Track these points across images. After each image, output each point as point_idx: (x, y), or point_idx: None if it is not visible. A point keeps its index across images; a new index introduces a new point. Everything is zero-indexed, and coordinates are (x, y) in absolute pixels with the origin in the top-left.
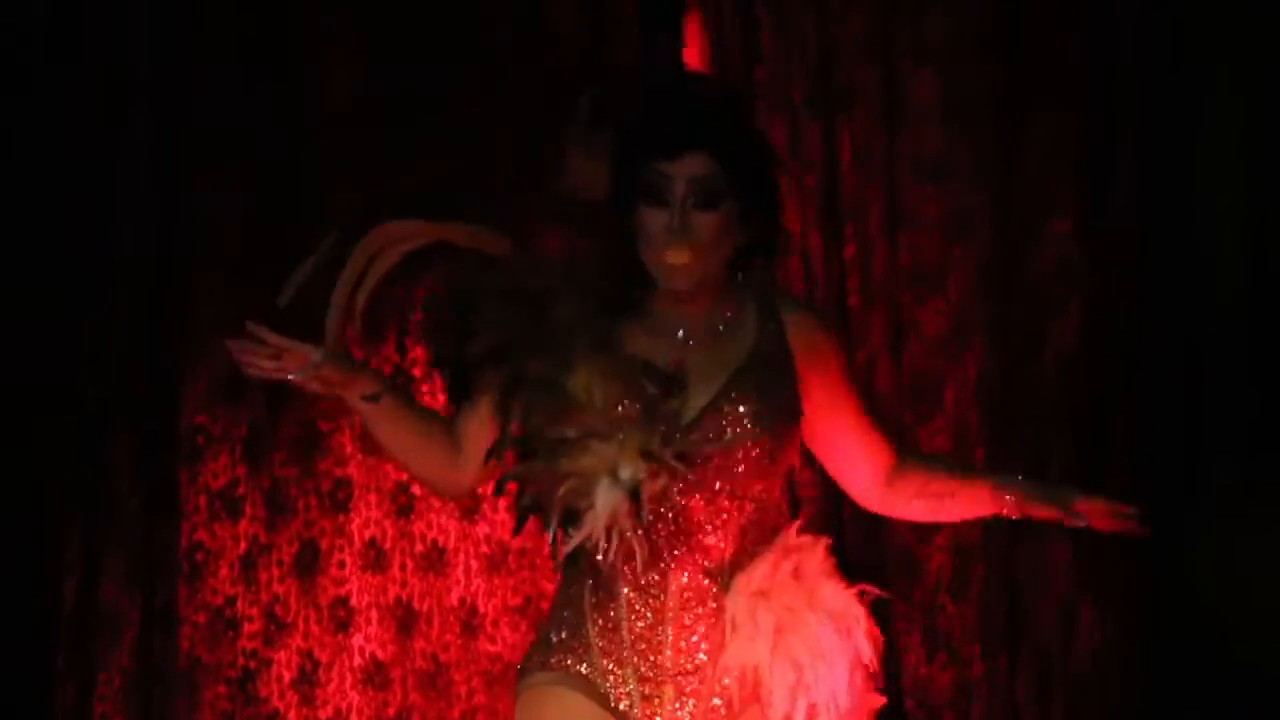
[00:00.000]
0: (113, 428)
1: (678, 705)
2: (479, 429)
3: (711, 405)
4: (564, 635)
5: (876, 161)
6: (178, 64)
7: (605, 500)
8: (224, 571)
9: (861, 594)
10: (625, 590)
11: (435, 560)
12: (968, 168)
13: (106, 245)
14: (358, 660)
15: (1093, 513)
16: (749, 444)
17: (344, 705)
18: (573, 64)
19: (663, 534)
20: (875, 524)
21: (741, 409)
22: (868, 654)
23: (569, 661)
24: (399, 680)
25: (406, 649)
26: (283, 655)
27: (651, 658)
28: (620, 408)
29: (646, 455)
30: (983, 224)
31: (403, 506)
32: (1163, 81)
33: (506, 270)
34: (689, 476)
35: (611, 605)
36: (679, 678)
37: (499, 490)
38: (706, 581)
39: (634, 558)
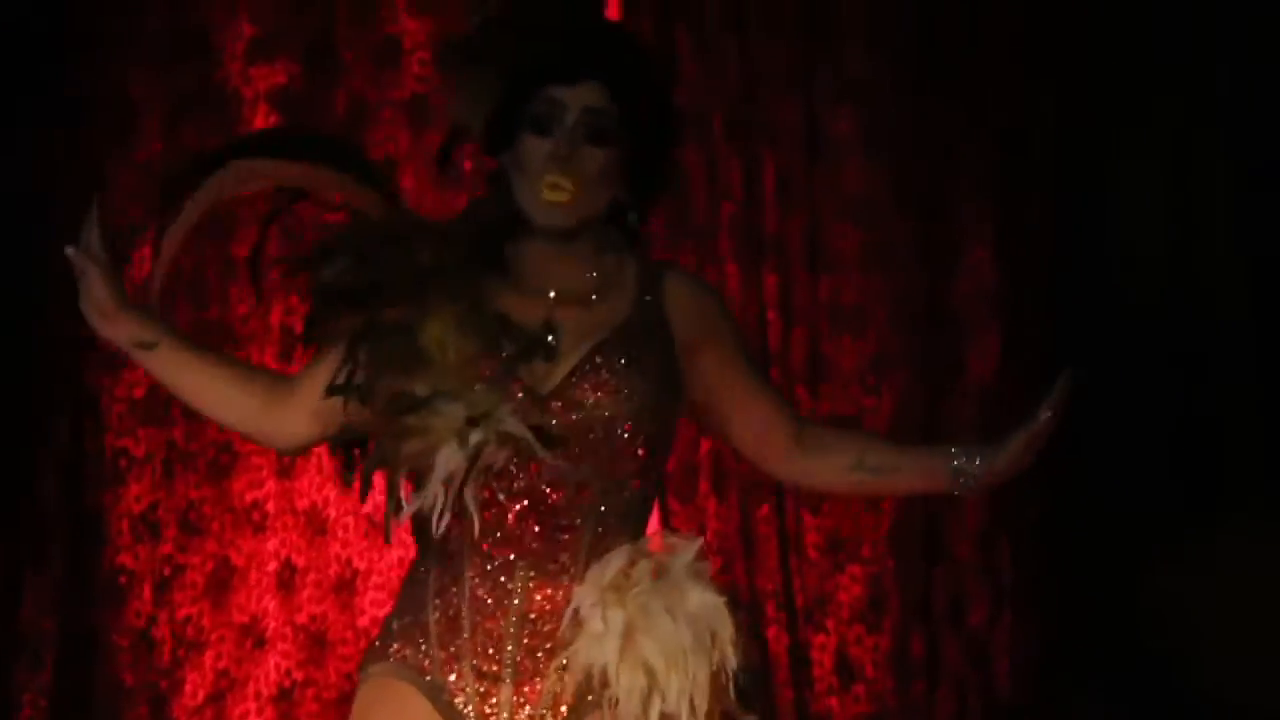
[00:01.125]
0: (36, 452)
1: (514, 705)
2: (324, 379)
3: (573, 374)
4: (406, 620)
5: (798, 194)
6: None
7: (444, 466)
8: (146, 593)
9: (732, 602)
10: (471, 576)
11: (348, 583)
12: (888, 200)
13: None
14: (273, 677)
15: (1044, 430)
16: (614, 422)
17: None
18: None
19: (515, 517)
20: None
21: (605, 380)
22: (732, 666)
23: (407, 652)
24: (313, 699)
25: (321, 669)
26: (195, 675)
27: (491, 651)
28: (474, 366)
29: (495, 420)
30: (903, 256)
31: (318, 528)
32: (1078, 110)
33: (370, 217)
34: (544, 454)
35: (455, 591)
36: (520, 676)
37: (340, 441)
38: (558, 573)
39: (472, 533)
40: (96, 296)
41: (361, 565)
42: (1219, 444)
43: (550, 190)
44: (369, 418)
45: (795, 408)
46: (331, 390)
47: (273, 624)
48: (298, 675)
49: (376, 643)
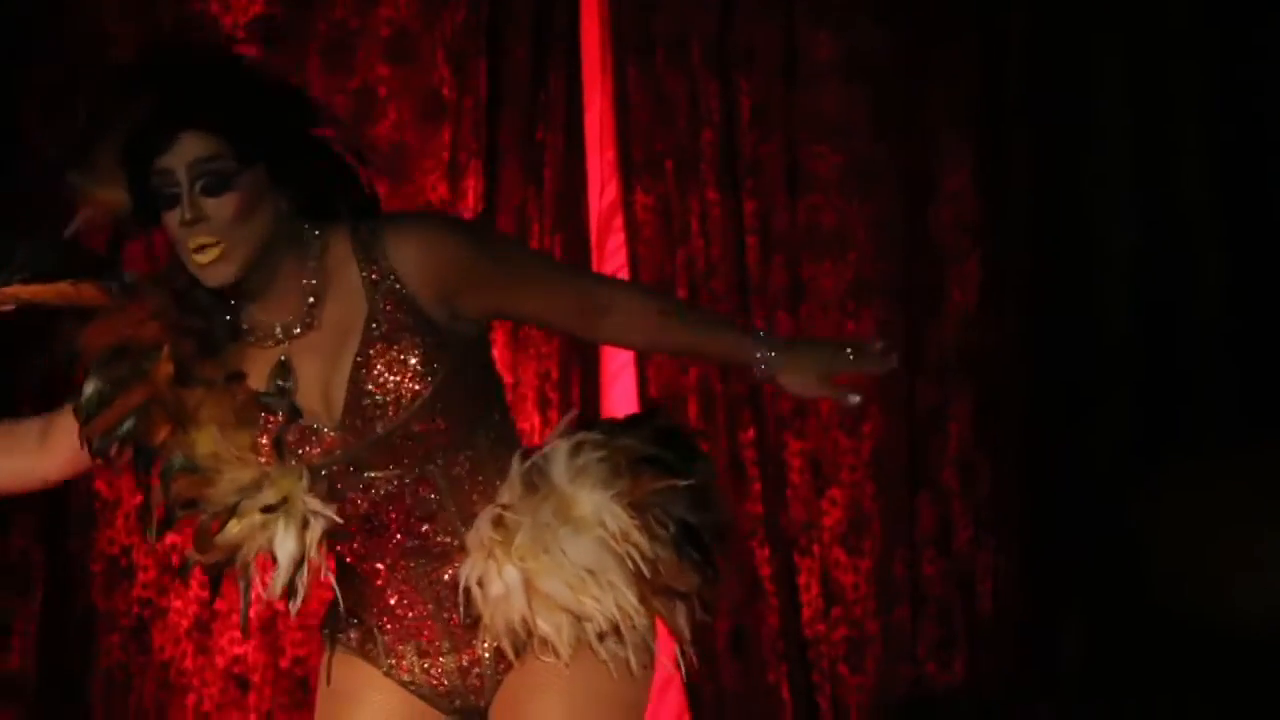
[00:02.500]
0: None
1: (462, 671)
2: (68, 439)
3: (349, 404)
4: (345, 607)
5: (775, 119)
6: None
7: (285, 553)
8: (119, 522)
9: (637, 490)
10: (378, 586)
11: None
12: (867, 126)
13: None
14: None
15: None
16: (408, 421)
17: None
18: None
19: (378, 538)
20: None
21: (378, 396)
22: (647, 558)
23: (354, 636)
24: (297, 626)
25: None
26: (179, 604)
27: (425, 634)
28: (255, 453)
29: (297, 502)
30: (882, 181)
31: None
32: (1056, 39)
33: (105, 327)
34: (342, 523)
35: (371, 596)
36: (458, 646)
37: (183, 573)
38: (445, 552)
39: (360, 583)
40: None
41: None
42: (1194, 369)
43: (198, 254)
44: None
45: (596, 282)
46: (155, 533)
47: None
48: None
49: (329, 611)
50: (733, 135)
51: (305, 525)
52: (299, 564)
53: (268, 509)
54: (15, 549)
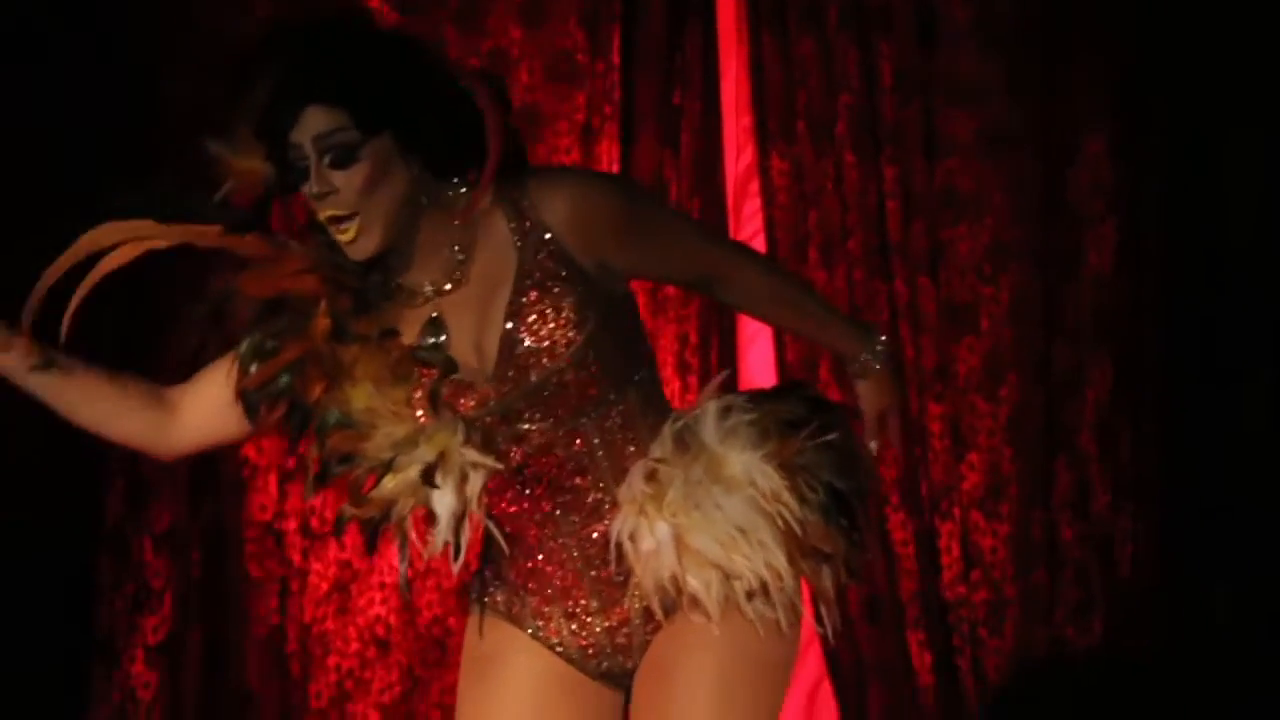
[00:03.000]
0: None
1: (610, 631)
2: (215, 395)
3: (502, 353)
4: (492, 571)
5: (914, 83)
6: None
7: (444, 511)
8: (271, 487)
9: (786, 452)
10: (527, 544)
11: None
12: (1004, 88)
13: None
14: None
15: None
16: (560, 370)
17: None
18: None
19: (532, 490)
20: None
21: (532, 343)
22: (796, 518)
23: (500, 599)
24: (433, 588)
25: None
26: (319, 567)
27: (575, 594)
28: (411, 409)
29: (456, 457)
30: (1019, 145)
31: None
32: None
33: (262, 276)
34: (505, 469)
35: (519, 553)
36: (607, 606)
37: (338, 528)
38: (596, 507)
39: (507, 543)
40: None
41: None
42: None
43: (337, 232)
44: (353, 491)
45: (715, 242)
46: (313, 490)
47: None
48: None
49: (475, 578)
50: (872, 99)
51: (464, 479)
52: (460, 519)
53: (428, 468)
54: (168, 517)
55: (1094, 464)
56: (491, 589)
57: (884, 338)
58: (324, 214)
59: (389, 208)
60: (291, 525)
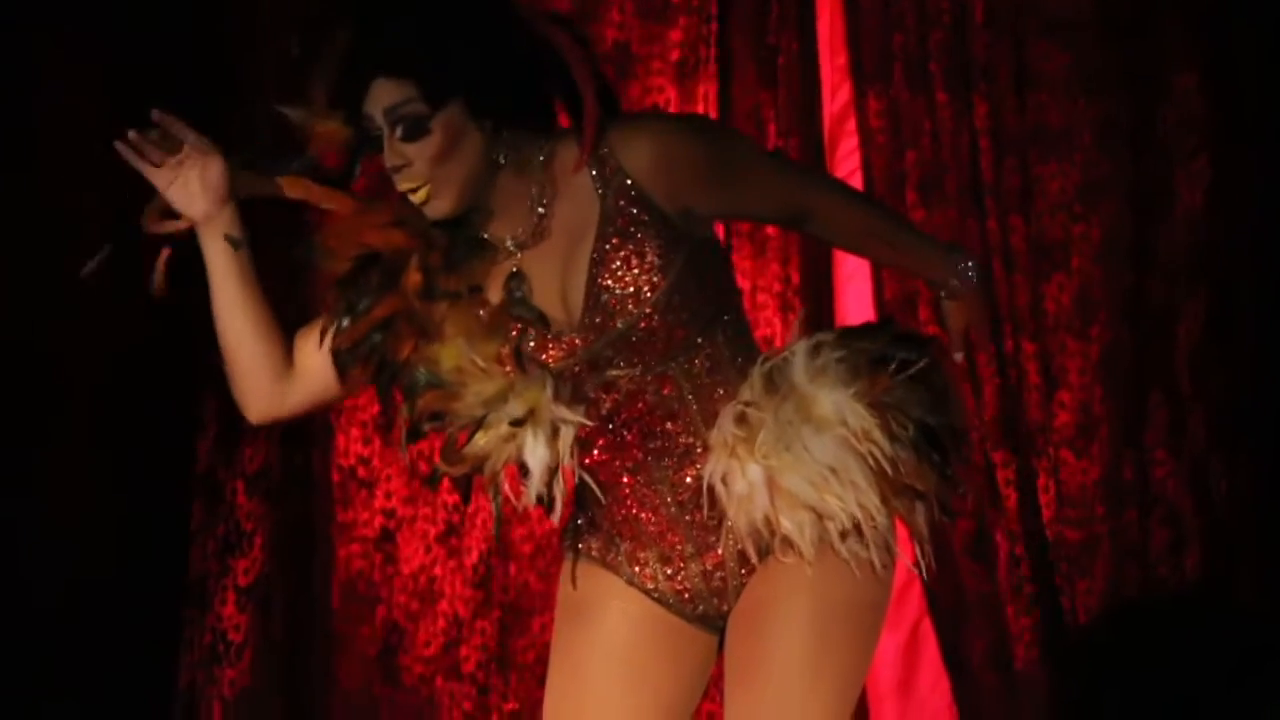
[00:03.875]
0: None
1: (705, 575)
2: (310, 356)
3: (588, 301)
4: (584, 519)
5: (1005, 19)
6: None
7: (536, 463)
8: (356, 431)
9: (876, 390)
10: (620, 492)
11: None
12: (1094, 24)
13: None
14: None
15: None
16: (647, 316)
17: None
18: None
19: (620, 437)
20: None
21: (617, 290)
22: (888, 457)
23: (594, 545)
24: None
25: None
26: (427, 512)
27: (669, 538)
28: (501, 365)
29: (545, 412)
30: (1109, 81)
31: None
32: None
33: (350, 228)
34: (593, 423)
35: (614, 508)
36: (702, 550)
37: (433, 482)
38: (688, 451)
39: (600, 491)
40: (212, 179)
41: None
42: None
43: (414, 198)
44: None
45: (799, 178)
46: (409, 440)
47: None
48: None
49: (568, 525)
50: (964, 36)
51: (555, 433)
52: (553, 472)
53: (516, 422)
54: (259, 460)
55: (1187, 402)
56: (586, 536)
57: (970, 261)
58: (401, 185)
59: (462, 174)
60: (391, 470)
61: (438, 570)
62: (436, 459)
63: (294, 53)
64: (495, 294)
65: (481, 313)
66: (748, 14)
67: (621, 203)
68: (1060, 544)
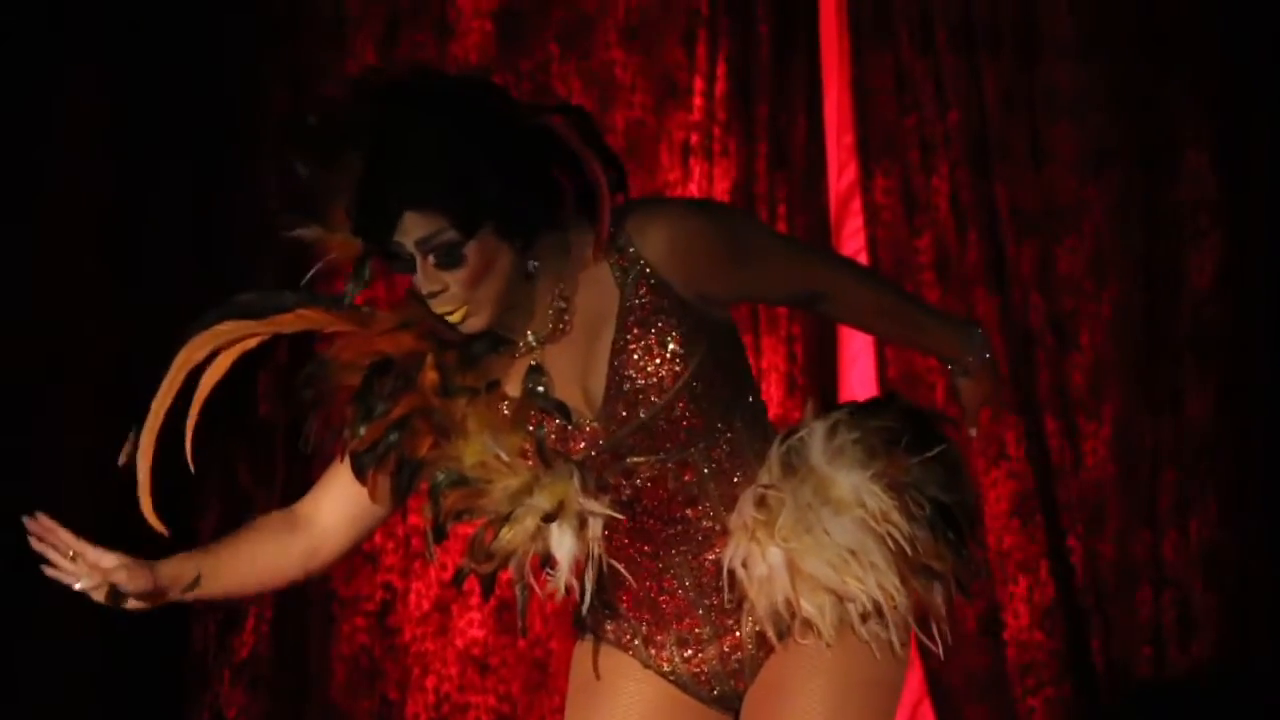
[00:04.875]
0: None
1: (724, 657)
2: (344, 488)
3: (609, 393)
4: (598, 604)
5: (1019, 98)
6: None
7: (564, 554)
8: None
9: (893, 470)
10: (637, 578)
11: None
12: (1105, 102)
13: None
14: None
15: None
16: (668, 406)
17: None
18: None
19: (640, 524)
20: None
21: (640, 381)
22: (906, 538)
23: (609, 627)
24: (536, 613)
25: None
26: (420, 586)
27: (686, 621)
28: (525, 458)
29: (572, 505)
30: (1119, 159)
31: None
32: None
33: (356, 339)
34: (621, 484)
35: (631, 594)
36: (720, 633)
37: (458, 581)
38: (708, 537)
39: (617, 576)
40: (141, 588)
41: None
42: None
43: (451, 319)
44: (475, 548)
45: (811, 258)
46: (435, 540)
47: None
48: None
49: (581, 604)
50: (980, 115)
51: (583, 524)
52: (582, 562)
53: (547, 517)
54: (260, 417)
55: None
56: (601, 618)
57: (980, 330)
58: (436, 309)
59: (498, 291)
60: (389, 544)
61: (429, 645)
62: (460, 558)
63: (302, 171)
64: (514, 388)
65: (503, 407)
66: (757, 94)
67: (642, 291)
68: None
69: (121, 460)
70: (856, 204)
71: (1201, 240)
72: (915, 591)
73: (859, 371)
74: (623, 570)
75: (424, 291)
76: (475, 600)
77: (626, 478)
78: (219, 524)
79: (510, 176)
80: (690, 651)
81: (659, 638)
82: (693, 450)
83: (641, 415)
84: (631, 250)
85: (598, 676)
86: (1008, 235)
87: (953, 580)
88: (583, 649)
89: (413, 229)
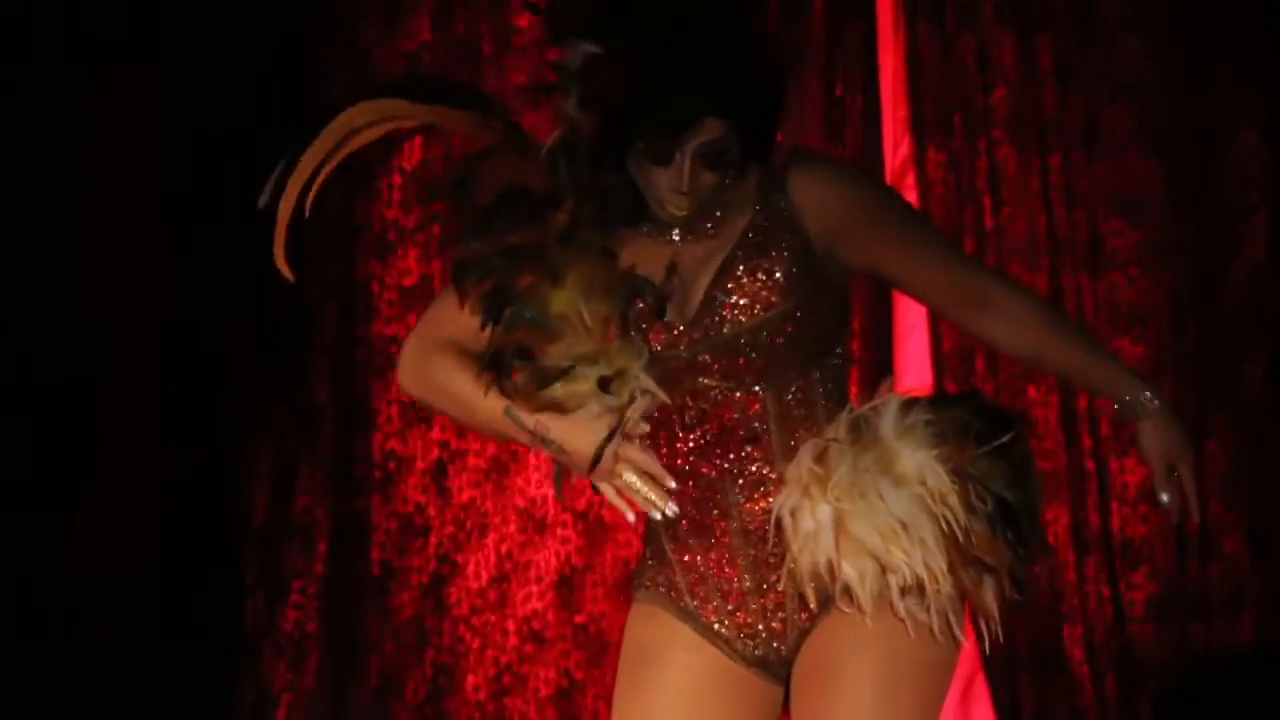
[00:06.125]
0: (306, 342)
1: (765, 614)
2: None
3: (704, 300)
4: (651, 553)
5: (1073, 78)
6: None
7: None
8: (414, 479)
9: (960, 458)
10: (687, 507)
11: None
12: (1161, 82)
13: None
14: (553, 563)
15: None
16: (755, 330)
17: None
18: None
19: (699, 444)
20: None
21: (732, 295)
22: (961, 524)
23: (660, 579)
24: (591, 586)
25: (600, 556)
26: (479, 557)
27: (729, 570)
28: (606, 328)
29: (632, 377)
30: (1174, 140)
31: None
32: None
33: (504, 164)
34: (671, 401)
35: (680, 526)
36: (762, 588)
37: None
38: (760, 482)
39: (675, 468)
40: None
41: None
42: None
43: (673, 208)
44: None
45: (981, 270)
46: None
47: (553, 510)
48: (577, 561)
49: (637, 567)
50: (1032, 92)
51: (631, 399)
52: (613, 433)
53: (603, 381)
54: (298, 507)
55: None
56: (652, 572)
57: (1155, 389)
58: (675, 205)
59: (714, 189)
60: (446, 517)
61: (490, 617)
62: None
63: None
64: (642, 268)
65: (609, 274)
66: (813, 67)
67: (770, 220)
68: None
69: (262, 201)
70: (911, 179)
71: (1252, 216)
72: (964, 581)
73: (914, 344)
74: (673, 496)
75: (683, 189)
76: (535, 573)
77: (694, 398)
78: (270, 504)
79: (776, 97)
80: (733, 604)
81: (702, 590)
82: (764, 385)
83: (725, 331)
84: (786, 188)
85: (637, 642)
86: (1058, 213)
87: (1007, 577)
88: (635, 615)
89: (704, 131)
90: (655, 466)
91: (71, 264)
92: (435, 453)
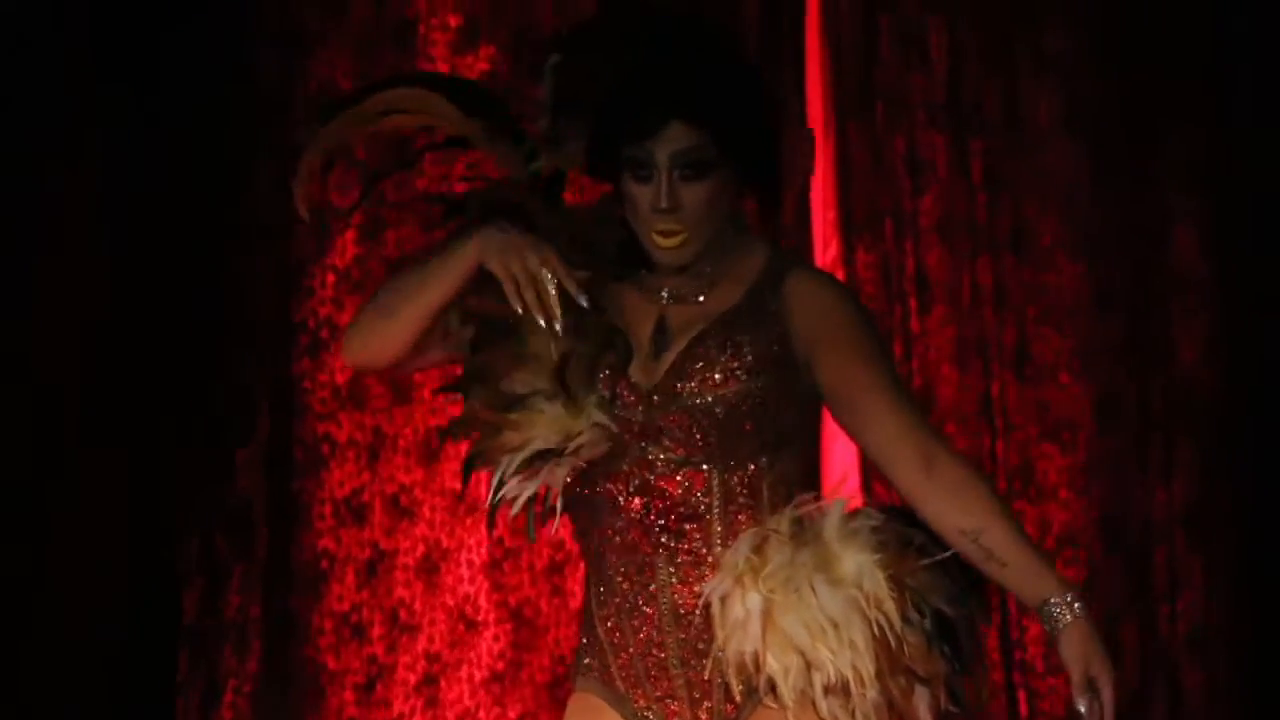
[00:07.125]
0: (237, 435)
1: (692, 701)
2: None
3: (673, 367)
4: (587, 635)
5: (1003, 179)
6: None
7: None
8: (349, 578)
9: (900, 567)
10: (618, 582)
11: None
12: (1091, 187)
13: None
14: (485, 660)
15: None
16: (716, 409)
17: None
18: None
19: (639, 516)
20: None
21: (701, 370)
22: (897, 624)
23: (594, 663)
24: (526, 681)
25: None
26: (407, 659)
27: (656, 652)
28: (570, 369)
29: (586, 414)
30: (1105, 241)
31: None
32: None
33: (505, 197)
34: (633, 472)
35: (610, 600)
36: (690, 672)
37: (453, 433)
38: (696, 564)
39: (608, 539)
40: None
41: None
42: None
43: (661, 238)
44: (473, 414)
45: (935, 434)
46: (443, 390)
47: (484, 606)
48: (511, 656)
49: (576, 656)
50: (965, 193)
51: (566, 449)
52: (549, 454)
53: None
54: (238, 490)
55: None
56: (586, 655)
57: (1051, 602)
58: (660, 225)
59: (711, 230)
60: (377, 502)
61: (418, 605)
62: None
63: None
64: (622, 321)
65: (582, 317)
66: None
67: (755, 309)
68: None
69: (304, 134)
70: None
71: (1190, 320)
72: (892, 690)
73: (840, 446)
74: (609, 570)
75: (660, 205)
76: (465, 558)
77: (640, 468)
78: (201, 596)
79: (770, 123)
80: (660, 693)
81: (630, 674)
82: (713, 465)
83: (684, 399)
84: (781, 288)
85: None
86: (990, 316)
87: (944, 690)
88: (572, 706)
89: (676, 138)
90: (572, 284)
91: None
92: (367, 554)
